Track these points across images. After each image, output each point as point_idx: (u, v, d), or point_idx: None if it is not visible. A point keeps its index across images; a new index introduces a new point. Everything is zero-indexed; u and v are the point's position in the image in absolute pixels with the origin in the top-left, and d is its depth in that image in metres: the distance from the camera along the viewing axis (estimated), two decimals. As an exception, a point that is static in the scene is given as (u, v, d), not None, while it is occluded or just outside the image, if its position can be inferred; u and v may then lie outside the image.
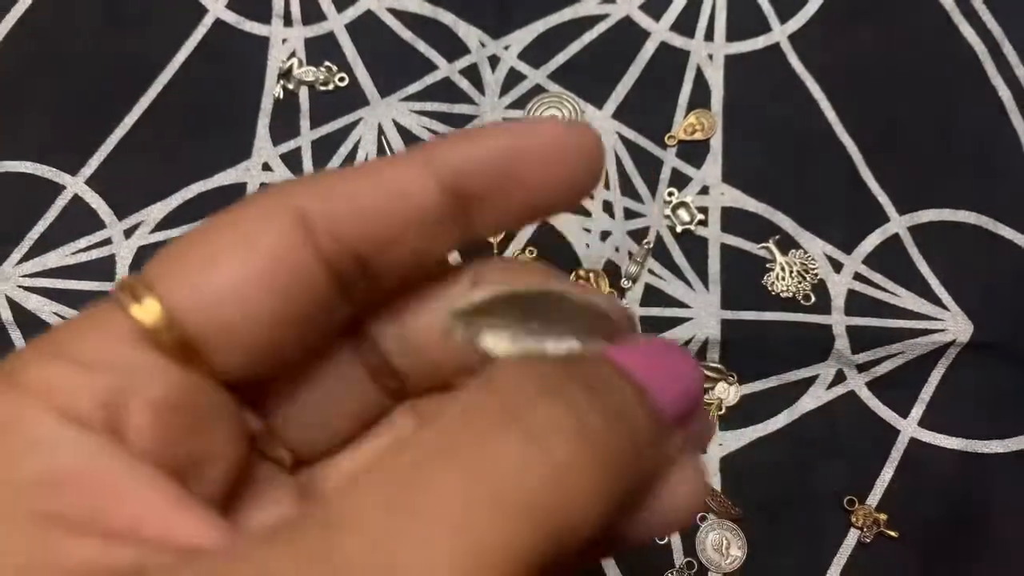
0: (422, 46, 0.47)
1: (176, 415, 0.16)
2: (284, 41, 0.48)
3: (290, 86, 0.47)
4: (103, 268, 0.44)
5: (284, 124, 0.46)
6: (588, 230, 0.45)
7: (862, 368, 0.43)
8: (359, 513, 0.13)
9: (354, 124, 0.46)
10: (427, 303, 0.19)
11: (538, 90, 0.47)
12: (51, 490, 0.14)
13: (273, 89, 0.47)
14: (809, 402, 0.42)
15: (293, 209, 0.16)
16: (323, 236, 0.17)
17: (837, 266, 0.44)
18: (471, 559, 0.12)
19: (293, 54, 0.47)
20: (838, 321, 0.43)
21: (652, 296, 0.44)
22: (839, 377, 0.43)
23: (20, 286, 0.44)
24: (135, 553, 0.14)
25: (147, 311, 0.15)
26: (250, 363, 0.17)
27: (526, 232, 0.45)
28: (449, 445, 0.14)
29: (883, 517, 0.40)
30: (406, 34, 0.48)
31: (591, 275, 0.44)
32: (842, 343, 0.43)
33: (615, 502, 0.14)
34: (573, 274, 0.44)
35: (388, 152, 0.46)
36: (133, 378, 0.15)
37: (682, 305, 0.44)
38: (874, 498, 0.41)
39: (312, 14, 0.48)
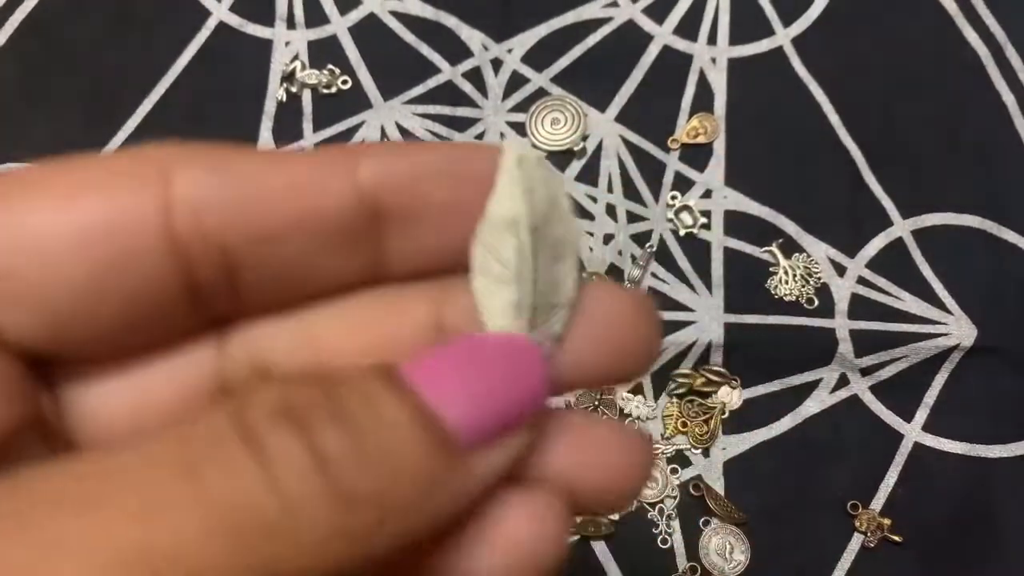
0: (425, 49, 0.47)
1: None
2: (287, 44, 0.48)
3: (293, 89, 0.47)
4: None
5: (287, 127, 0.46)
6: (591, 233, 0.45)
7: (866, 372, 0.43)
8: (38, 501, 0.11)
9: (357, 127, 0.46)
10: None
11: (541, 93, 0.47)
12: None
13: (276, 92, 0.47)
14: (812, 406, 0.42)
15: (160, 171, 0.14)
16: (185, 216, 0.14)
17: (840, 270, 0.44)
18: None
19: (296, 57, 0.47)
20: (841, 325, 0.43)
21: (655, 300, 0.44)
22: (842, 381, 0.43)
23: (22, 289, 0.44)
24: None
25: None
26: (44, 335, 0.14)
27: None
28: (178, 442, 0.12)
29: (887, 522, 0.40)
30: (409, 37, 0.48)
31: (594, 278, 0.44)
32: (846, 347, 0.43)
33: (365, 547, 0.12)
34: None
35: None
36: None
37: (685, 309, 0.44)
38: (878, 503, 0.41)
39: (315, 17, 0.48)
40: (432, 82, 0.47)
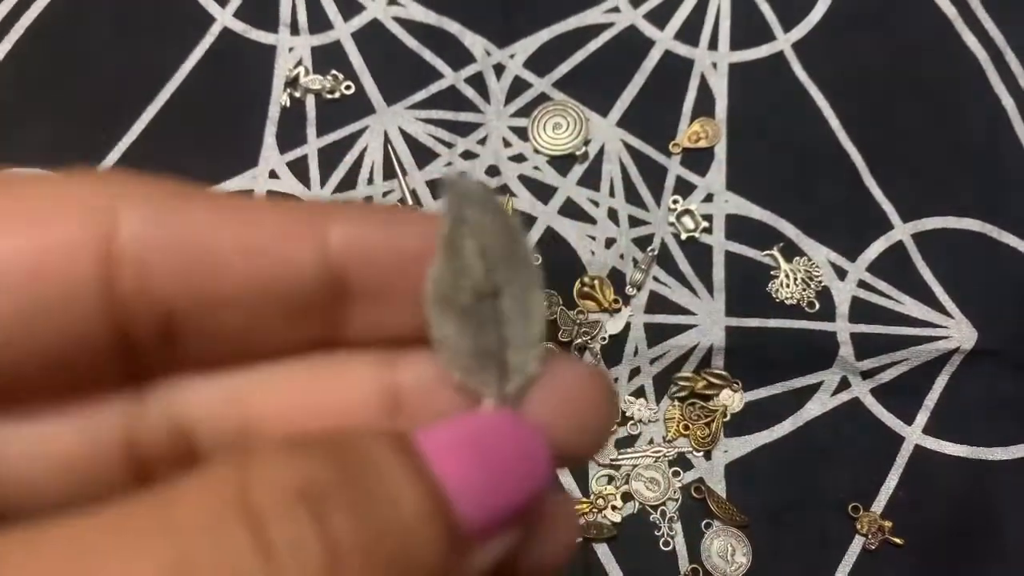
0: (428, 55, 0.48)
1: None
2: (291, 50, 0.48)
3: (297, 94, 0.47)
4: (111, 275, 0.45)
5: (291, 132, 0.47)
6: (593, 237, 0.45)
7: (867, 375, 0.43)
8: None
9: (360, 132, 0.47)
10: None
11: (543, 98, 0.47)
12: None
13: (280, 97, 0.47)
14: (814, 409, 0.43)
15: (106, 207, 0.12)
16: (126, 264, 0.12)
17: (841, 273, 0.44)
18: None
19: (300, 62, 0.48)
20: (842, 328, 0.43)
21: (657, 303, 0.44)
22: (843, 384, 0.43)
23: (28, 293, 0.44)
24: None
25: None
26: None
27: (531, 239, 0.45)
28: (160, 525, 0.10)
29: (888, 524, 0.40)
30: (412, 43, 0.48)
31: (596, 282, 0.44)
32: (846, 350, 0.43)
33: None
34: (578, 281, 0.44)
35: (394, 160, 0.46)
36: None
37: (687, 312, 0.44)
38: (879, 505, 0.41)
39: (319, 23, 0.48)
40: (435, 87, 0.47)
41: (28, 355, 0.12)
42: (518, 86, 0.47)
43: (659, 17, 0.48)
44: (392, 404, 0.14)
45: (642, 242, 0.45)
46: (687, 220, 0.45)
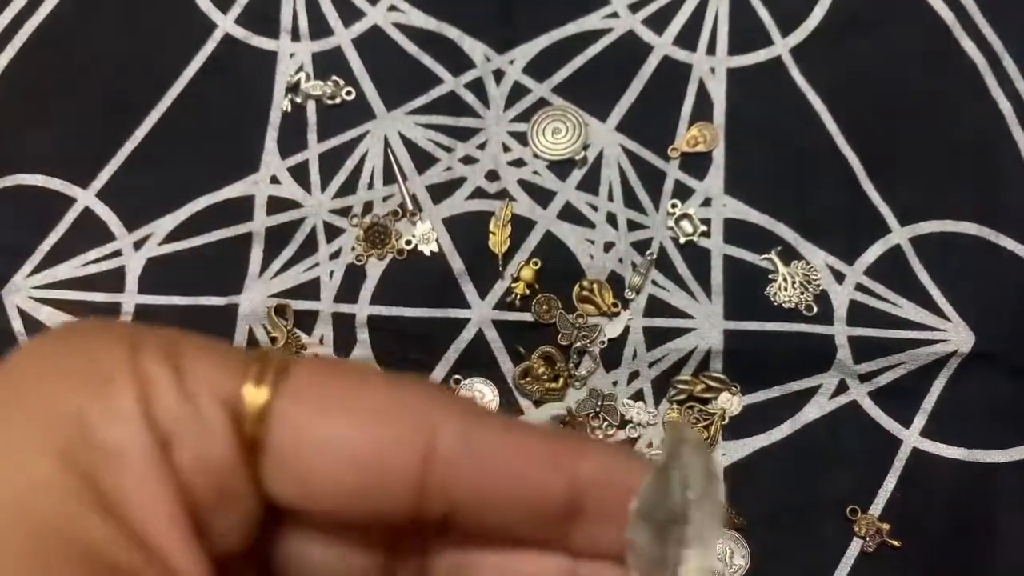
0: (428, 60, 0.48)
1: (214, 478, 0.16)
2: (292, 56, 0.48)
3: (298, 100, 0.47)
4: (113, 280, 0.45)
5: (292, 137, 0.47)
6: (592, 241, 0.45)
7: (864, 378, 0.43)
8: None
9: (361, 137, 0.47)
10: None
11: (542, 103, 0.47)
12: (112, 461, 0.15)
13: (281, 103, 0.47)
14: (812, 412, 0.43)
15: (430, 423, 0.16)
16: (438, 468, 0.16)
17: (839, 277, 0.45)
18: None
19: (301, 68, 0.48)
20: (840, 331, 0.44)
21: (655, 307, 0.44)
22: (841, 387, 0.43)
23: (31, 297, 0.45)
24: (136, 560, 0.15)
25: (255, 395, 0.16)
26: (294, 502, 0.16)
27: (530, 243, 0.45)
28: None
29: (886, 526, 0.41)
30: (412, 48, 0.48)
31: (595, 286, 0.44)
32: (844, 353, 0.43)
33: None
34: (577, 285, 0.44)
35: (394, 165, 0.46)
36: (203, 429, 0.16)
37: (685, 316, 0.44)
38: (877, 507, 0.41)
39: (319, 29, 0.49)
40: (435, 92, 0.48)
41: (354, 513, 0.16)
42: (517, 91, 0.48)
43: (657, 22, 0.49)
44: None
45: (641, 246, 0.45)
46: (685, 224, 0.45)
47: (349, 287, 0.45)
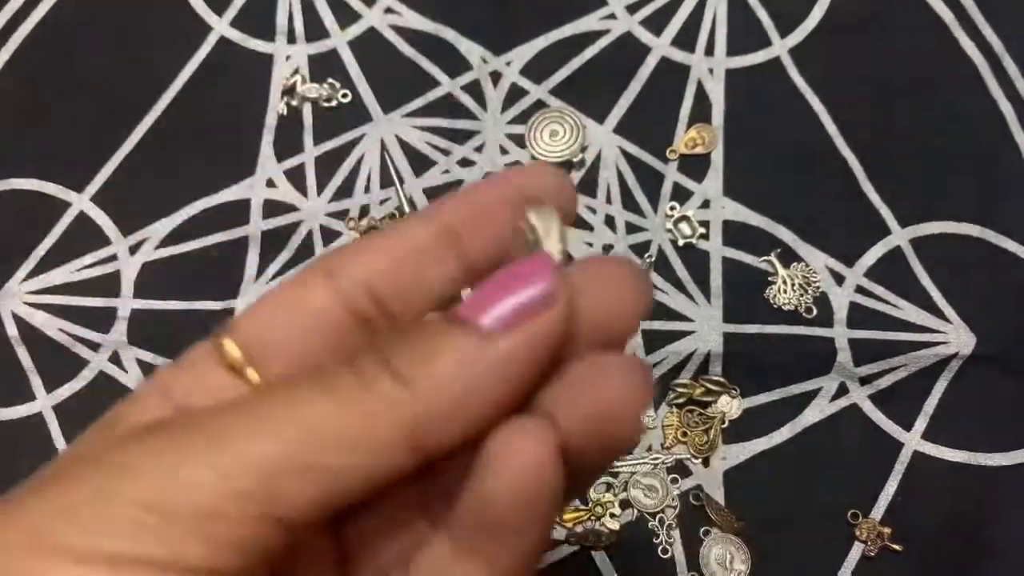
0: (424, 62, 0.48)
1: None
2: (288, 58, 0.48)
3: (294, 103, 0.47)
4: (108, 284, 0.45)
5: (288, 140, 0.47)
6: (590, 244, 0.45)
7: (865, 381, 0.43)
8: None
9: (357, 140, 0.47)
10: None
11: (540, 105, 0.47)
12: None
13: (277, 106, 0.47)
14: (812, 415, 0.42)
15: (320, 261, 0.21)
16: (345, 282, 0.20)
17: (839, 279, 0.44)
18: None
19: (296, 71, 0.48)
20: (840, 334, 0.43)
21: (654, 310, 0.44)
22: (842, 390, 0.43)
23: (26, 303, 0.44)
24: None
25: (230, 351, 0.21)
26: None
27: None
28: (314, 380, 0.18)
29: (887, 530, 0.40)
30: (408, 51, 0.48)
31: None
32: (844, 356, 0.43)
33: (427, 425, 0.18)
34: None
35: (391, 168, 0.46)
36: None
37: (684, 318, 0.44)
38: (878, 511, 0.41)
39: (315, 31, 0.48)
40: (431, 95, 0.47)
41: (316, 347, 0.21)
42: (515, 93, 0.47)
43: (655, 23, 0.48)
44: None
45: (639, 248, 0.45)
46: (684, 226, 0.45)
47: (346, 291, 0.45)
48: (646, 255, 0.45)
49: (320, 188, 0.46)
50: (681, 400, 0.43)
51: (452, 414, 0.17)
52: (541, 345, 0.18)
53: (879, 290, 0.44)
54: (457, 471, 0.19)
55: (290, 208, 0.46)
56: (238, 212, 0.46)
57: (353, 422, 0.17)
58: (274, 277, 0.45)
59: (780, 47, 0.48)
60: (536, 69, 0.48)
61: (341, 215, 0.46)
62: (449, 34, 0.48)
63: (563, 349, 0.19)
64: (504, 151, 0.47)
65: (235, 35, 0.48)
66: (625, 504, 0.41)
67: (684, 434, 0.42)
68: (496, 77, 0.48)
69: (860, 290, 0.44)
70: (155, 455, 0.17)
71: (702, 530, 0.41)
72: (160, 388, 0.21)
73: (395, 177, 0.46)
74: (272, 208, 0.46)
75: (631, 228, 0.45)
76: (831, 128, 0.46)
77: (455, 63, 0.48)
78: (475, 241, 0.21)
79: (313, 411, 0.17)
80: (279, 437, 0.17)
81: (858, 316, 0.44)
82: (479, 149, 0.47)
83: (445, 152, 0.46)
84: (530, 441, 0.17)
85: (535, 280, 0.18)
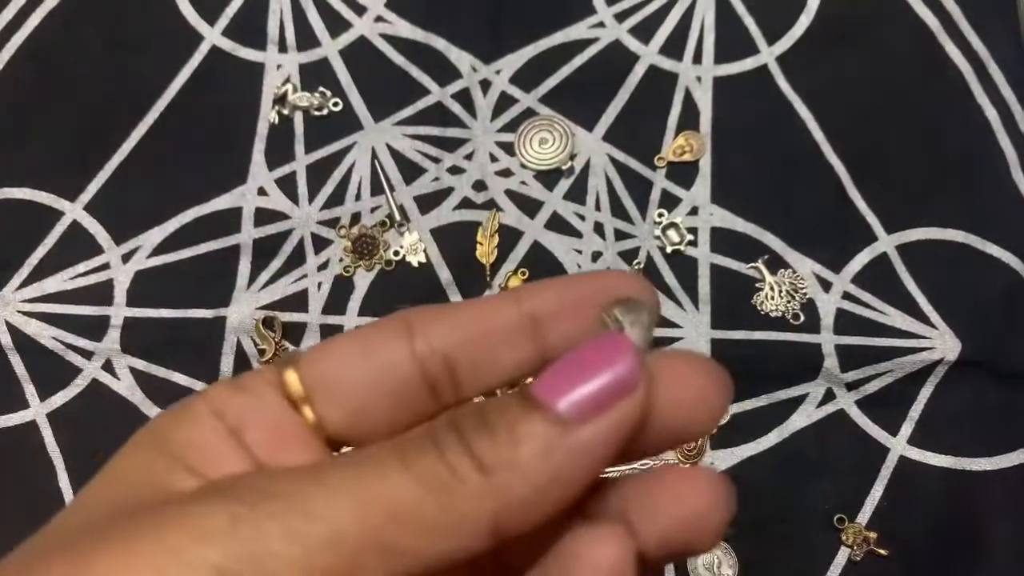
0: (415, 71, 0.48)
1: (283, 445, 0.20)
2: (279, 67, 0.48)
3: (285, 111, 0.48)
4: (101, 293, 0.45)
5: (279, 149, 0.47)
6: (579, 251, 0.46)
7: (852, 386, 0.43)
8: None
9: (348, 148, 0.47)
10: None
11: (529, 113, 0.47)
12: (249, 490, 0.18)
13: (268, 115, 0.48)
14: (799, 420, 0.43)
15: (408, 330, 0.21)
16: (429, 354, 0.21)
17: (826, 285, 0.45)
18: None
19: (288, 80, 0.48)
20: (827, 340, 0.44)
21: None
22: (829, 396, 0.43)
23: (20, 311, 0.45)
24: None
25: (293, 383, 0.20)
26: (344, 427, 0.21)
27: (518, 253, 0.45)
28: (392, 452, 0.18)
29: (873, 535, 0.41)
30: (399, 59, 0.48)
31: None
32: (831, 362, 0.43)
33: (502, 506, 0.17)
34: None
35: (382, 176, 0.46)
36: (282, 430, 0.20)
37: (673, 325, 0.44)
38: (864, 516, 0.41)
39: (306, 40, 0.49)
40: (422, 103, 0.48)
41: (384, 410, 0.21)
42: (504, 101, 0.48)
43: (644, 32, 0.49)
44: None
45: (628, 255, 0.45)
46: (672, 233, 0.45)
47: (337, 298, 0.45)
48: (635, 262, 0.45)
49: (311, 196, 0.47)
50: (669, 406, 0.43)
51: (533, 503, 0.17)
52: (621, 434, 0.18)
53: (866, 296, 0.44)
54: (524, 547, 0.19)
55: (281, 216, 0.46)
56: (230, 220, 0.46)
57: (436, 507, 0.17)
58: (265, 285, 0.45)
59: (767, 55, 0.48)
60: (525, 77, 0.48)
61: (332, 223, 0.46)
62: (439, 43, 0.48)
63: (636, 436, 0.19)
64: (494, 158, 0.47)
65: (227, 44, 0.49)
66: (614, 509, 0.41)
67: (672, 440, 0.42)
68: (486, 85, 0.48)
69: (847, 296, 0.44)
70: (232, 520, 0.17)
71: (690, 535, 0.41)
72: (212, 407, 0.20)
73: (386, 185, 0.46)
74: (263, 216, 0.46)
75: (620, 235, 0.46)
76: (818, 135, 0.47)
77: (445, 71, 0.48)
78: (556, 330, 0.21)
79: (397, 492, 0.17)
80: (361, 516, 0.17)
81: (845, 322, 0.44)
82: (469, 157, 0.47)
83: (435, 160, 0.47)
84: (611, 549, 0.18)
85: (615, 363, 0.18)
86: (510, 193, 0.46)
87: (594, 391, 0.18)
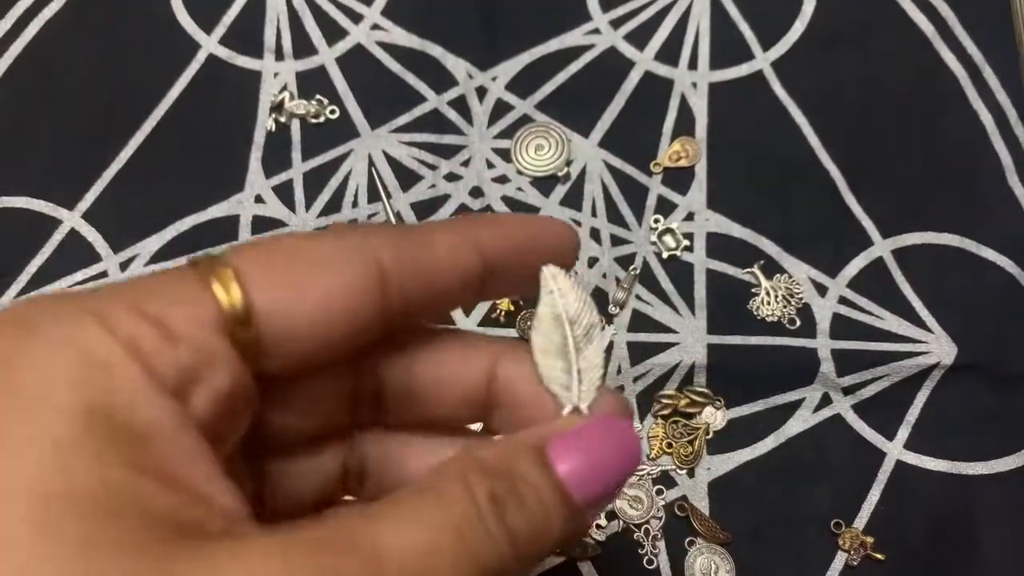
0: (411, 78, 0.48)
1: (228, 403, 0.19)
2: (276, 75, 0.49)
3: (282, 119, 0.48)
4: (99, 301, 0.45)
5: (276, 157, 0.47)
6: (576, 258, 0.46)
7: (848, 391, 0.43)
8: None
9: (345, 156, 0.47)
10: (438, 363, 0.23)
11: (525, 120, 0.48)
12: (143, 443, 0.16)
13: (265, 122, 0.48)
14: (795, 426, 0.43)
15: (374, 254, 0.20)
16: (393, 285, 0.21)
17: (822, 290, 0.45)
18: None
19: (284, 88, 0.48)
20: (823, 345, 0.44)
21: (639, 322, 0.44)
22: (825, 400, 0.43)
23: (18, 319, 0.45)
24: (199, 514, 0.16)
25: (232, 300, 0.18)
26: (293, 369, 0.20)
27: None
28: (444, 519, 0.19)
29: (870, 540, 0.41)
30: (395, 67, 0.48)
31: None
32: (828, 366, 0.43)
33: (518, 568, 0.20)
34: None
35: (379, 183, 0.47)
36: (208, 362, 0.18)
37: (669, 330, 0.44)
38: (861, 521, 0.41)
39: (303, 48, 0.49)
40: (418, 110, 0.48)
41: (339, 339, 0.20)
42: (500, 108, 0.48)
43: (639, 38, 0.49)
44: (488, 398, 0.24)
45: (624, 261, 0.46)
46: (668, 239, 0.46)
47: (334, 305, 0.45)
48: (631, 267, 0.45)
49: (308, 203, 0.47)
50: (666, 411, 0.43)
51: (536, 562, 0.21)
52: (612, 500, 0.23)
53: (862, 301, 0.44)
54: None
55: (279, 224, 0.46)
56: (227, 228, 0.46)
57: (462, 552, 0.19)
58: (263, 292, 0.45)
59: (763, 60, 0.48)
60: (521, 84, 0.48)
61: (329, 230, 0.46)
62: (435, 50, 0.48)
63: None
64: (490, 165, 0.47)
65: (223, 53, 0.49)
66: (610, 515, 0.42)
67: (669, 445, 0.42)
68: (482, 92, 0.48)
69: (843, 301, 0.44)
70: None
71: (687, 540, 0.41)
72: (144, 363, 0.17)
73: (382, 192, 0.46)
74: (261, 224, 0.46)
75: (616, 241, 0.46)
76: (813, 140, 0.47)
77: (441, 79, 0.48)
78: (494, 248, 0.23)
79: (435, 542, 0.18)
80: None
81: (841, 327, 0.44)
82: (465, 163, 0.47)
83: (432, 167, 0.47)
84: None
85: (630, 456, 0.22)
86: (507, 199, 0.47)
87: (610, 486, 0.21)
